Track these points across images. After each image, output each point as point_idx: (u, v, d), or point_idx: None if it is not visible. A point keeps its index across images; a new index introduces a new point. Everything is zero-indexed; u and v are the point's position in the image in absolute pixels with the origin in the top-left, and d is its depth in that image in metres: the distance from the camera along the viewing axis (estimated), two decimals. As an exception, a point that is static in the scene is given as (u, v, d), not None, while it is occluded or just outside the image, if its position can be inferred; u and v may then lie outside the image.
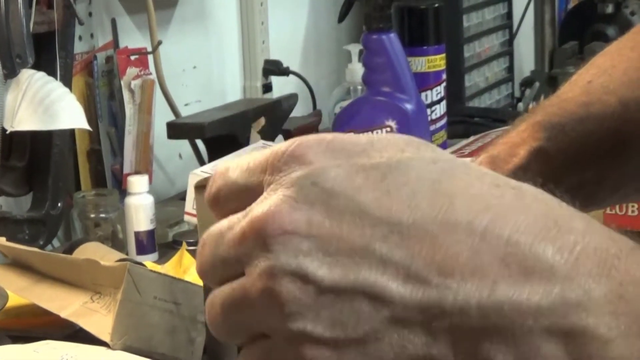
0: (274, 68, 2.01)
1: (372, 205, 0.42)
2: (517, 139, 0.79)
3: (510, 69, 2.56)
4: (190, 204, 1.36)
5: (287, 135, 1.81)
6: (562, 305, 0.41)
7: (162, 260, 1.33)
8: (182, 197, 1.52)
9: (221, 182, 0.47)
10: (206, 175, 1.27)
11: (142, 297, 0.97)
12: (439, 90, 1.73)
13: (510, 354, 0.41)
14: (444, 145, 1.72)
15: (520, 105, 2.57)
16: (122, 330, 0.96)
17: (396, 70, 1.61)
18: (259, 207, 0.43)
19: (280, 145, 0.45)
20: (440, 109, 1.74)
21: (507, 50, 2.55)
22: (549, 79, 2.80)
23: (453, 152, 1.63)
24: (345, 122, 1.64)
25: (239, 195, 0.46)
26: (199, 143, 1.72)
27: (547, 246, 0.41)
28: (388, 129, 1.61)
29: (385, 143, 0.44)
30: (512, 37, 2.56)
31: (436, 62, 1.73)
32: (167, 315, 0.98)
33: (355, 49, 1.92)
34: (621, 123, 0.78)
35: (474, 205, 0.42)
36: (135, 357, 0.94)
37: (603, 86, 0.79)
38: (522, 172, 0.76)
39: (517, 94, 2.65)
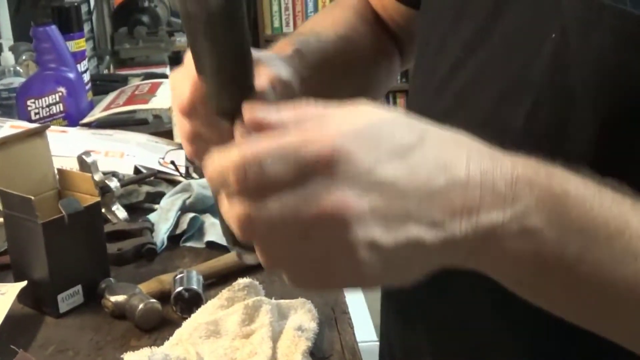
0: None
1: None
2: (282, 45, 0.86)
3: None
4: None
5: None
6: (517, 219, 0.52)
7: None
8: None
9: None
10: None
11: None
12: (85, 64, 2.37)
13: (498, 259, 0.52)
14: (91, 104, 2.36)
15: (106, 71, 3.28)
16: None
17: (59, 51, 2.19)
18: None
19: None
20: (87, 76, 2.37)
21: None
22: (112, 53, 3.53)
23: (115, 105, 2.24)
24: (26, 92, 2.16)
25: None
26: None
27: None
28: (60, 93, 2.21)
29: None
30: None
31: (80, 44, 2.34)
32: None
33: (6, 42, 2.47)
34: (341, 51, 0.92)
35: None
36: None
37: (323, 27, 0.95)
38: (295, 59, 0.82)
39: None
